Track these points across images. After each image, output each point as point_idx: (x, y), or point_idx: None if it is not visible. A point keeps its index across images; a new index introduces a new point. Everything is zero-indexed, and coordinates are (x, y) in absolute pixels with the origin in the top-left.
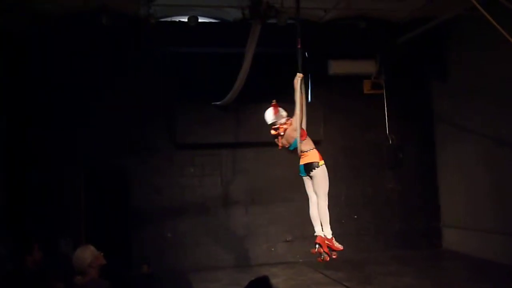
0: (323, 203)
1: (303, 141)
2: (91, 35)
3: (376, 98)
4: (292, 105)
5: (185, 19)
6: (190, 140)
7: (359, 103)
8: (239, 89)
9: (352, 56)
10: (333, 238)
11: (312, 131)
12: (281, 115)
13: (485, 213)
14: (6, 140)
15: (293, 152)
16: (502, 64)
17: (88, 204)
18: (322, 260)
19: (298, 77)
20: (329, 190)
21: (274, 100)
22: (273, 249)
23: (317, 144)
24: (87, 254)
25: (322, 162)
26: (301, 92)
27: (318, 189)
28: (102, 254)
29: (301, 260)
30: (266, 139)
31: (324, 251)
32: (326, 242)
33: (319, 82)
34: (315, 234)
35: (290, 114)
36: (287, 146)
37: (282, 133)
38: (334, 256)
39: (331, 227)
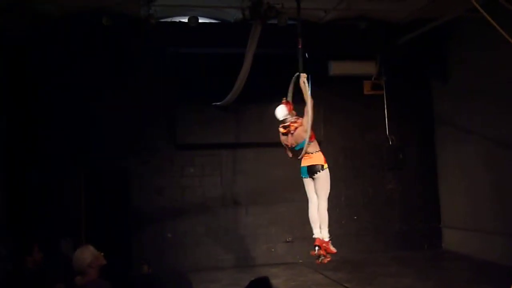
0: (324, 206)
1: (311, 143)
2: (91, 35)
3: (376, 98)
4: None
5: (185, 20)
6: (190, 141)
7: (359, 104)
8: (239, 90)
9: (353, 56)
10: (330, 241)
11: None
12: (292, 113)
13: (486, 214)
14: (6, 140)
15: (294, 153)
16: (502, 65)
17: (88, 204)
18: (320, 262)
19: (303, 77)
20: (329, 192)
21: (284, 98)
22: (273, 250)
23: None
24: (87, 254)
25: (326, 165)
26: (307, 92)
27: (320, 191)
28: (102, 254)
29: (301, 261)
30: (266, 140)
31: (322, 254)
32: (323, 244)
33: (319, 83)
34: (314, 236)
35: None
36: (293, 146)
37: (292, 132)
38: (328, 259)
39: (330, 228)
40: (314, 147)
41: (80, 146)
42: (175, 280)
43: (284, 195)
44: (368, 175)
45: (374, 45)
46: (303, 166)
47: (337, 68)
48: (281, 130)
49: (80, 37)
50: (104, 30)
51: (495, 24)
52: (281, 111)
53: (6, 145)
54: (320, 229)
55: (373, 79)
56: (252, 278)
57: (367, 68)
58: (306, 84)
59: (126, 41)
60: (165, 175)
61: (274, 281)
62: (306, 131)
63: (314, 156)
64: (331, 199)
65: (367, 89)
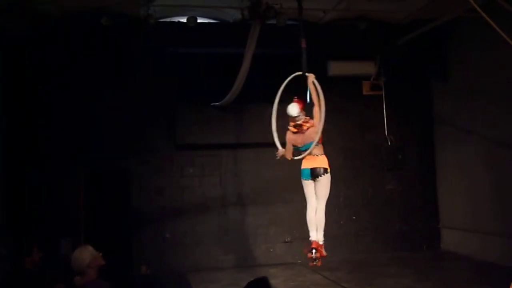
0: (323, 209)
1: (318, 145)
2: (91, 35)
3: (376, 99)
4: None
5: (184, 20)
6: (190, 141)
7: (359, 104)
8: (238, 90)
9: (352, 57)
10: (323, 245)
11: None
12: (304, 112)
13: (485, 214)
14: (6, 140)
15: (295, 154)
16: (502, 65)
17: (88, 204)
18: (314, 265)
19: (311, 78)
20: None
21: (296, 97)
22: (272, 250)
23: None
24: (86, 254)
25: (329, 169)
26: (316, 92)
27: (320, 194)
28: (101, 254)
29: (300, 261)
30: (265, 140)
31: (318, 257)
32: (318, 247)
33: (318, 83)
34: (310, 239)
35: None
36: (300, 146)
37: (304, 131)
38: (320, 262)
39: (330, 228)
40: (319, 149)
41: (80, 146)
42: (174, 280)
43: (283, 195)
44: (367, 175)
45: (373, 45)
46: (306, 169)
47: (336, 68)
48: (292, 129)
49: (80, 37)
50: (103, 30)
51: (494, 25)
52: (295, 108)
53: (6, 145)
54: (316, 232)
55: (372, 79)
56: (251, 278)
57: (366, 68)
58: (317, 85)
59: (125, 41)
60: (165, 175)
61: (273, 282)
62: (317, 132)
63: (319, 159)
64: (330, 200)
65: (366, 90)
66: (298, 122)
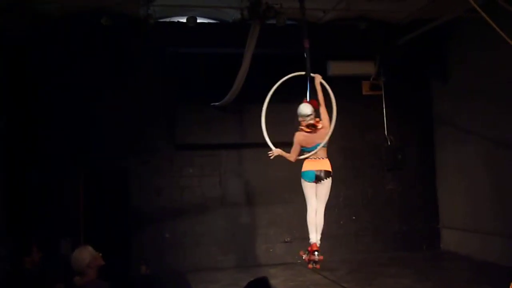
0: (323, 211)
1: (325, 146)
2: (91, 35)
3: (375, 99)
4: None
5: (184, 20)
6: (189, 141)
7: (358, 104)
8: (238, 90)
9: (351, 57)
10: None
11: None
12: (314, 112)
13: (485, 214)
14: (6, 140)
15: (300, 154)
16: (502, 65)
17: (87, 205)
18: (313, 267)
19: (318, 79)
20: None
21: (305, 98)
22: (271, 250)
23: None
24: (85, 254)
25: (332, 173)
26: (322, 93)
27: (321, 197)
28: (100, 254)
29: (299, 261)
30: (265, 140)
31: (319, 259)
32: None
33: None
34: (311, 241)
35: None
36: (309, 146)
37: (317, 130)
38: (310, 266)
39: (329, 228)
40: (324, 152)
41: (80, 146)
42: (174, 281)
43: (283, 195)
44: (367, 175)
45: (373, 45)
46: (311, 171)
47: (336, 68)
48: (305, 129)
49: (80, 37)
50: (103, 30)
51: (494, 25)
52: (309, 107)
53: (6, 145)
54: (316, 234)
55: (371, 79)
56: (251, 278)
57: (366, 68)
58: (326, 85)
59: (125, 41)
60: (165, 175)
61: (273, 282)
62: (327, 134)
63: (324, 162)
64: (330, 200)
65: (365, 90)
66: (311, 122)
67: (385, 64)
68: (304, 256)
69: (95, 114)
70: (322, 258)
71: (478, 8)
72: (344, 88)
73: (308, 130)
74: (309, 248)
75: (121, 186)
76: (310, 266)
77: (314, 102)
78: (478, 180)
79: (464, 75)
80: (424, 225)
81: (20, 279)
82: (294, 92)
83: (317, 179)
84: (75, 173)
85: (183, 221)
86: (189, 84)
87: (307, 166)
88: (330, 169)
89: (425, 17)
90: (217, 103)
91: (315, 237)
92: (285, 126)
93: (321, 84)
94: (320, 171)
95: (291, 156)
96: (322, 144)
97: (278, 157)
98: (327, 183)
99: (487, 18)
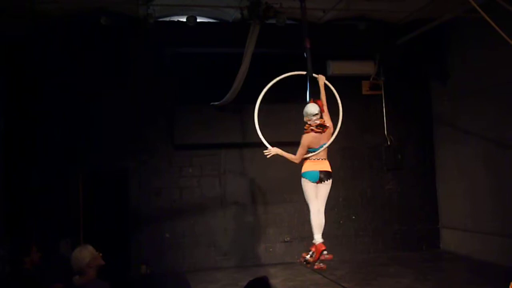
0: (323, 211)
1: (326, 148)
2: (90, 35)
3: (375, 99)
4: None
5: (184, 19)
6: (188, 141)
7: (358, 104)
8: (237, 90)
9: (351, 57)
10: None
11: None
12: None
13: (484, 215)
14: (5, 140)
15: (302, 157)
16: (502, 65)
17: (86, 205)
18: (321, 267)
19: (322, 80)
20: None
21: (312, 99)
22: (271, 250)
23: None
24: (86, 254)
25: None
26: (325, 93)
27: (322, 197)
28: (100, 255)
29: (305, 262)
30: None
31: (328, 258)
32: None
33: (317, 83)
34: (318, 241)
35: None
36: (316, 147)
37: (325, 131)
38: (308, 266)
39: (329, 228)
40: (325, 152)
41: (79, 146)
42: (173, 281)
43: (282, 195)
44: (367, 175)
45: (373, 45)
46: (314, 171)
47: (335, 68)
48: (316, 129)
49: (79, 37)
50: (102, 29)
51: (494, 25)
52: (316, 107)
53: (4, 145)
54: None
55: (371, 79)
56: (251, 278)
57: (366, 68)
58: (331, 87)
59: (124, 40)
60: (164, 176)
61: (272, 281)
62: (332, 134)
63: (325, 163)
64: (329, 200)
65: (365, 89)
66: (320, 122)
67: (384, 64)
68: (308, 257)
69: (94, 114)
70: (332, 257)
71: (478, 8)
72: (344, 87)
73: (318, 130)
74: (313, 248)
75: (120, 186)
76: (317, 266)
77: (319, 102)
78: (478, 180)
79: (464, 76)
80: (423, 225)
81: (19, 279)
82: (295, 92)
83: (321, 179)
84: (74, 174)
85: (183, 221)
86: (189, 83)
87: (310, 167)
88: (330, 170)
89: (425, 17)
90: (216, 103)
91: (320, 237)
92: (286, 126)
93: (325, 85)
94: (324, 172)
95: (297, 158)
96: (327, 145)
97: (277, 156)
98: (328, 183)
99: (487, 18)
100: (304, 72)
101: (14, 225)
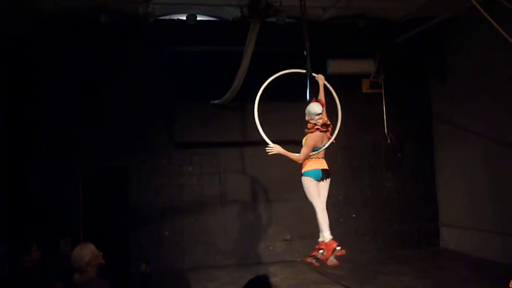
0: (325, 208)
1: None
2: (90, 33)
3: (375, 97)
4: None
5: (183, 18)
6: (188, 139)
7: (358, 102)
8: (237, 88)
9: (351, 55)
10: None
11: None
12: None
13: (484, 213)
14: (5, 138)
15: (307, 156)
16: (501, 64)
17: (86, 203)
18: (334, 263)
19: (322, 80)
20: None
21: (314, 98)
22: (271, 248)
23: None
24: (87, 252)
25: None
26: (324, 93)
27: (325, 194)
28: (101, 253)
29: (299, 259)
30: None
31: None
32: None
33: (317, 81)
34: (327, 238)
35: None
36: (319, 146)
37: (329, 127)
38: (317, 265)
39: (329, 227)
40: (324, 151)
41: (79, 145)
42: (173, 279)
43: (282, 194)
44: (366, 173)
45: (372, 43)
46: (318, 169)
47: (335, 66)
48: (321, 128)
49: (78, 36)
50: (102, 28)
51: (494, 23)
52: (320, 106)
53: (4, 143)
54: (323, 231)
55: (371, 77)
56: (251, 277)
57: (366, 66)
58: (329, 87)
59: (124, 39)
60: (164, 174)
61: (272, 280)
62: (333, 133)
63: (324, 162)
64: (329, 198)
65: (365, 88)
66: (324, 122)
67: (384, 62)
68: (319, 254)
69: (93, 112)
70: (344, 252)
71: (478, 6)
72: (344, 86)
73: (323, 129)
74: (323, 246)
75: (120, 184)
76: (331, 263)
77: (321, 102)
78: (477, 178)
79: (463, 74)
80: (423, 223)
81: (19, 278)
82: (293, 91)
83: (323, 177)
84: (74, 172)
85: (183, 219)
86: (189, 82)
87: (312, 165)
88: (328, 168)
89: (425, 15)
90: (216, 101)
91: (329, 233)
92: (284, 125)
93: (324, 85)
94: (324, 170)
95: (301, 158)
96: (328, 143)
97: (277, 155)
98: (328, 182)
99: (487, 16)
100: (304, 71)
101: (13, 223)
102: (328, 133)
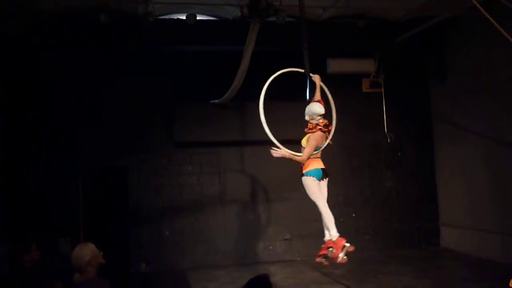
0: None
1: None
2: (89, 33)
3: (375, 96)
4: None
5: (183, 17)
6: (188, 139)
7: (358, 102)
8: (237, 88)
9: (351, 54)
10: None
11: None
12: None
13: (483, 212)
14: (5, 138)
15: (309, 156)
16: (501, 63)
17: (86, 203)
18: (343, 261)
19: (318, 80)
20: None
21: (314, 98)
22: (271, 248)
23: None
24: (87, 251)
25: None
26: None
27: (325, 193)
28: (101, 253)
29: (299, 259)
30: (264, 138)
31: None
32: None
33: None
34: (335, 236)
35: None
36: (321, 145)
37: (330, 127)
38: (326, 263)
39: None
40: (320, 151)
41: (79, 145)
42: (173, 279)
43: (282, 193)
44: (366, 173)
45: (372, 43)
46: (319, 169)
47: (335, 66)
48: (323, 129)
49: (78, 35)
50: (102, 28)
51: (494, 22)
52: (322, 107)
53: (4, 143)
54: (328, 230)
55: (371, 77)
56: (251, 276)
57: (366, 66)
58: (325, 88)
59: (124, 39)
60: (163, 173)
61: (272, 279)
62: (331, 133)
63: (321, 161)
64: (328, 197)
65: (365, 87)
66: (324, 122)
67: (384, 62)
68: (329, 253)
69: (93, 112)
70: (354, 248)
71: (478, 6)
72: (344, 85)
73: (325, 129)
74: (331, 244)
75: (120, 184)
76: (341, 260)
77: (321, 102)
78: (477, 178)
79: (463, 73)
80: (423, 223)
81: (19, 278)
82: (292, 91)
83: (324, 175)
84: (74, 172)
85: (182, 219)
86: (188, 81)
87: (313, 165)
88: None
89: (424, 15)
90: (216, 101)
91: (336, 231)
92: (284, 124)
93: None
94: (323, 169)
95: (304, 158)
96: (326, 143)
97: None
98: (326, 180)
99: (488, 16)
100: (302, 70)
101: (13, 223)
102: (326, 133)
